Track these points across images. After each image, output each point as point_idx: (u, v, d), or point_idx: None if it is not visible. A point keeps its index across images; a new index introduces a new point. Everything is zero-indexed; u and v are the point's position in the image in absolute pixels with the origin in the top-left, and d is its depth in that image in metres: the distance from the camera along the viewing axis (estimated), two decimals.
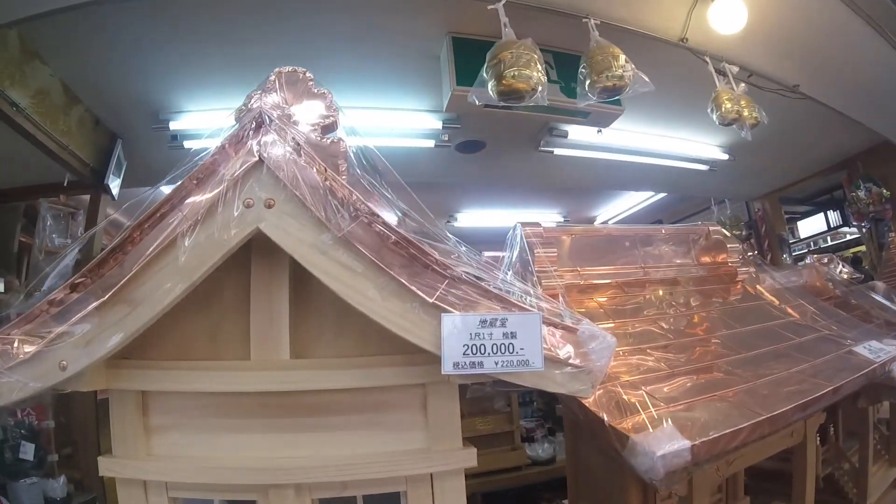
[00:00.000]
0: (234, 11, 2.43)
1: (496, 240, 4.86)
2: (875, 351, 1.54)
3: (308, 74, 1.01)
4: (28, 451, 2.52)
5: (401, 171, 3.30)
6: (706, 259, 1.86)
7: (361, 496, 0.92)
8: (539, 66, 2.12)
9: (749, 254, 6.20)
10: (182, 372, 0.93)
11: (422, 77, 2.89)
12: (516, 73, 2.06)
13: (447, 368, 0.78)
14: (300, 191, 0.82)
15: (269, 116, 0.87)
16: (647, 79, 2.26)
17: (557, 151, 3.84)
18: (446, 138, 3.44)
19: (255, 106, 0.89)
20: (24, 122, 2.49)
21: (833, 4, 2.67)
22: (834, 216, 6.69)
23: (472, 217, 5.95)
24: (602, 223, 6.54)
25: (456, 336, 0.79)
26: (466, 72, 2.46)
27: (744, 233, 5.77)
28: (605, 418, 0.99)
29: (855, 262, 5.32)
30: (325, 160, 0.91)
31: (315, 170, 0.85)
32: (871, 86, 3.49)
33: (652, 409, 1.04)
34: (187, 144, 3.13)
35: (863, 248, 5.72)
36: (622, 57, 2.24)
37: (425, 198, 3.60)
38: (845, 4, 2.71)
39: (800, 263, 5.40)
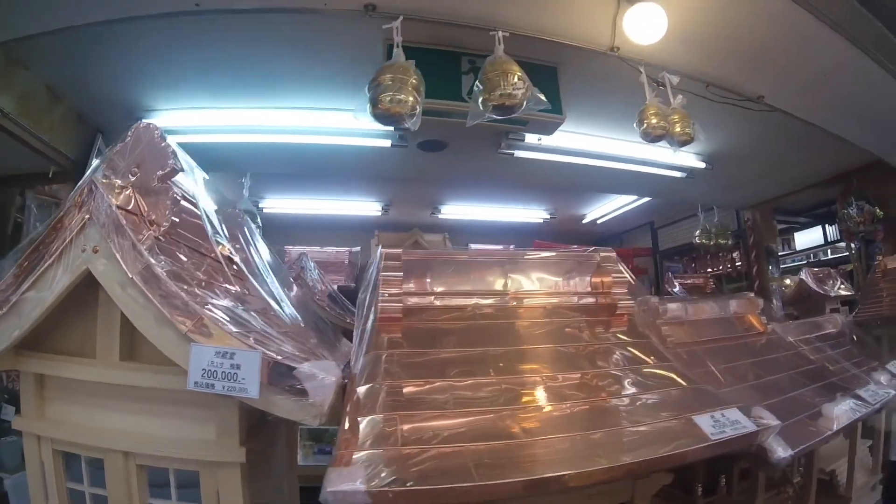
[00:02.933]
0: (205, 21, 2.77)
1: (484, 232, 5.33)
2: (720, 424, 1.35)
3: (156, 128, 1.47)
4: (9, 413, 3.00)
5: (367, 167, 3.80)
6: (584, 288, 1.79)
7: (172, 469, 1.31)
8: (415, 91, 2.31)
9: (727, 268, 6.37)
10: (59, 363, 1.36)
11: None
12: (392, 98, 2.27)
13: (189, 385, 1.14)
14: (112, 241, 1.22)
15: (96, 185, 1.25)
16: (542, 97, 2.45)
17: (517, 154, 4.12)
18: (398, 138, 3.80)
19: (95, 174, 1.30)
20: (9, 125, 3.01)
21: (802, 15, 2.70)
22: (832, 230, 6.75)
23: (457, 210, 6.39)
24: (590, 221, 6.82)
25: (197, 361, 1.14)
26: None
27: (730, 242, 5.92)
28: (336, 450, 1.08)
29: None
30: (156, 204, 1.36)
31: (128, 224, 1.24)
32: (855, 102, 3.58)
33: (373, 446, 1.09)
34: None
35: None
36: (516, 75, 2.39)
37: (410, 189, 4.11)
38: (816, 17, 2.73)
39: (787, 279, 5.62)
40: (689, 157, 4.60)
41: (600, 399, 1.40)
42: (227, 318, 1.24)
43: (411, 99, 2.31)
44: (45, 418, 1.37)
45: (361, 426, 1.14)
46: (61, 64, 3.04)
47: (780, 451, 1.49)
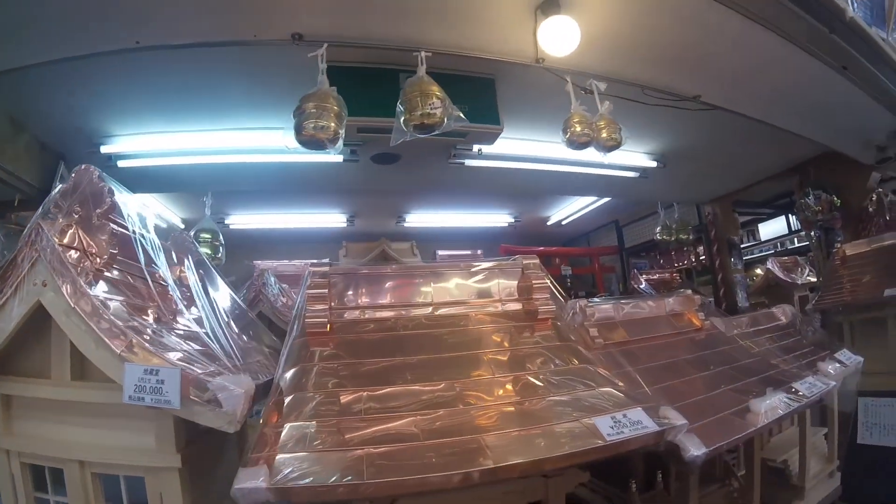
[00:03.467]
0: (170, 62, 3.00)
1: (451, 239, 5.45)
2: (620, 425, 1.42)
3: (94, 171, 1.67)
4: None
5: (323, 182, 3.96)
6: (509, 295, 1.95)
7: (122, 476, 1.50)
8: (336, 118, 2.47)
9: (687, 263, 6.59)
10: (21, 383, 1.55)
11: None
12: (315, 125, 2.43)
13: (124, 399, 1.31)
14: (57, 275, 1.42)
15: (42, 226, 1.46)
16: (461, 114, 2.62)
17: (468, 163, 4.32)
18: (350, 153, 4.02)
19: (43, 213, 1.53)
20: None
21: (727, 14, 2.74)
22: (794, 219, 6.91)
23: (422, 218, 6.60)
24: (555, 222, 7.04)
25: (130, 378, 1.32)
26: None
27: (691, 237, 6.13)
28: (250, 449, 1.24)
29: None
30: (97, 238, 1.59)
31: (69, 260, 1.45)
32: (792, 94, 3.66)
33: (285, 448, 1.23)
34: (120, 164, 3.79)
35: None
36: (435, 95, 2.53)
37: (373, 200, 4.27)
38: (743, 16, 2.76)
39: (757, 269, 5.78)
40: (640, 157, 4.77)
41: (510, 402, 1.50)
42: (155, 341, 1.45)
43: (333, 125, 2.46)
44: (13, 434, 1.55)
45: (273, 431, 1.29)
46: (23, 97, 3.21)
47: (693, 449, 1.55)
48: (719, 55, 3.13)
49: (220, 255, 4.64)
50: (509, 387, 1.59)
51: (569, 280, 7.32)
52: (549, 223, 7.52)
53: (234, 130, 3.82)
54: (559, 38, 2.67)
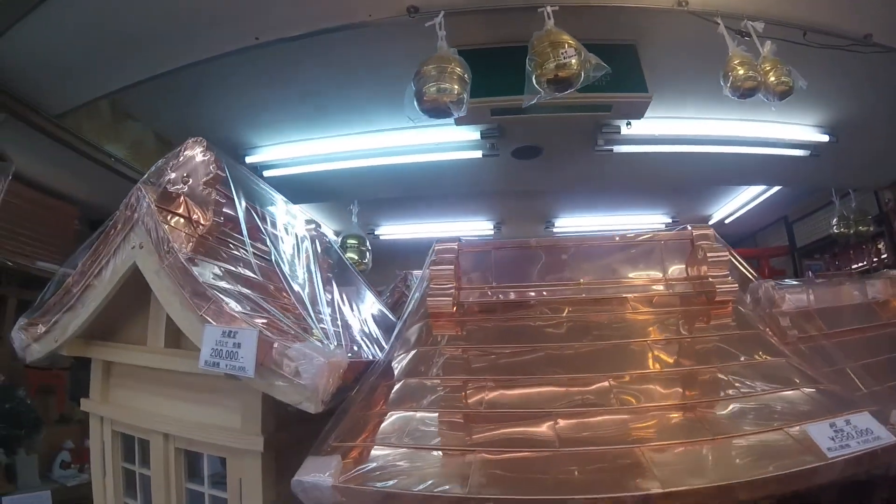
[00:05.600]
0: (295, 63, 3.03)
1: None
2: (843, 436, 1.01)
3: (203, 142, 1.57)
4: None
5: (464, 181, 3.80)
6: (678, 274, 1.57)
7: (206, 455, 1.34)
8: (460, 80, 2.22)
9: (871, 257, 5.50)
10: (118, 350, 1.47)
11: None
12: (437, 88, 2.19)
13: (200, 364, 1.13)
14: (152, 237, 1.30)
15: (141, 189, 1.36)
16: (602, 62, 2.22)
17: (617, 149, 3.87)
18: (490, 147, 3.75)
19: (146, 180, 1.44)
20: (123, 169, 3.39)
21: None
22: None
23: (572, 222, 6.16)
24: (717, 222, 6.30)
25: (207, 341, 1.13)
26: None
27: (871, 229, 5.15)
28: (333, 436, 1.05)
29: None
30: (200, 207, 1.46)
31: (166, 224, 1.32)
32: None
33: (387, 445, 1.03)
34: (266, 174, 3.84)
35: None
36: (567, 43, 2.18)
37: (519, 204, 4.05)
38: None
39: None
40: (808, 131, 4.07)
41: (681, 405, 1.15)
42: (240, 302, 1.26)
43: (456, 88, 2.21)
44: (109, 402, 1.49)
45: (366, 418, 1.11)
46: (164, 112, 3.39)
47: None
48: None
49: (366, 260, 4.57)
50: (680, 386, 1.23)
51: None
52: (710, 223, 6.71)
53: (369, 133, 3.77)
54: None
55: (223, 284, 1.29)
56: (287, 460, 1.19)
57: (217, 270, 1.34)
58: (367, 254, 4.63)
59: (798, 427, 1.03)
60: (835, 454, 0.96)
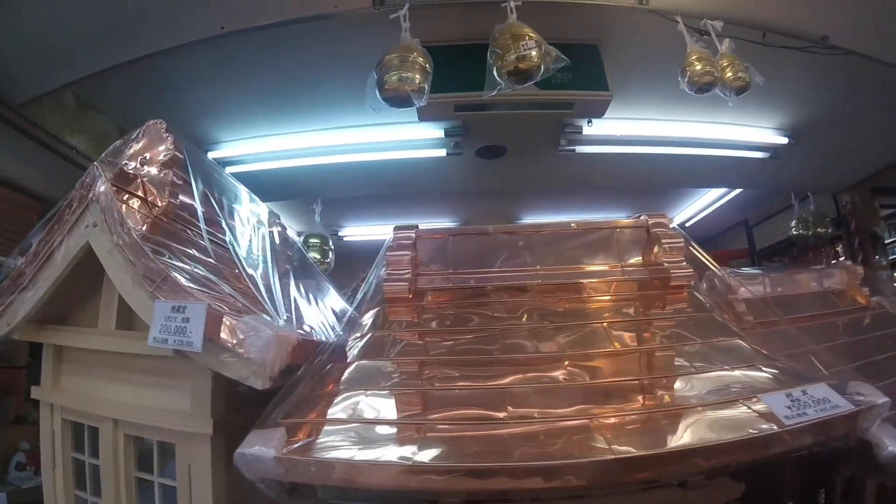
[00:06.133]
0: (261, 56, 3.01)
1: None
2: (800, 405, 1.01)
3: (162, 124, 1.53)
4: None
5: (429, 180, 3.77)
6: (634, 260, 1.59)
7: (156, 442, 1.30)
8: (422, 70, 2.23)
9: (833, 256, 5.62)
10: (69, 333, 1.43)
11: None
12: (399, 77, 2.19)
13: (149, 341, 1.11)
14: (106, 217, 1.27)
15: (99, 170, 1.33)
16: (561, 55, 2.22)
17: (579, 149, 3.93)
18: (454, 145, 3.76)
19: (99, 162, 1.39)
20: (84, 162, 3.28)
21: None
22: None
23: (537, 223, 6.12)
24: (678, 224, 6.39)
25: (157, 317, 1.11)
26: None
27: (829, 230, 5.32)
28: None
29: None
30: (159, 186, 1.45)
31: (121, 203, 1.31)
32: None
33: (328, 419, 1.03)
34: (228, 170, 3.77)
35: None
36: (528, 35, 2.20)
37: (484, 205, 4.02)
38: None
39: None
40: (768, 134, 4.16)
41: (637, 380, 1.17)
42: (192, 280, 1.24)
43: (418, 77, 2.21)
44: (59, 389, 1.44)
45: (315, 395, 1.10)
46: (128, 105, 3.31)
47: (893, 444, 1.07)
48: None
49: (329, 260, 4.54)
50: (635, 364, 1.25)
51: None
52: (671, 225, 6.84)
53: (334, 130, 3.75)
54: None
55: (176, 264, 1.28)
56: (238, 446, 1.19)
57: (171, 251, 1.33)
58: (330, 253, 4.59)
59: (754, 398, 1.03)
60: (792, 422, 0.96)
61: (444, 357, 1.26)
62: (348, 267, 4.83)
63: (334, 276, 4.37)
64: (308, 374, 1.17)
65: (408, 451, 0.90)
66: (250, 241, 1.77)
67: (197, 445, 1.22)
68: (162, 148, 1.50)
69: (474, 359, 1.24)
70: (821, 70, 3.23)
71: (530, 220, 6.18)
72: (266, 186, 4.05)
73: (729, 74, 2.50)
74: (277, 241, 1.97)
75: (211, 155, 3.79)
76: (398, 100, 2.26)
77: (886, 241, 5.63)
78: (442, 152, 3.86)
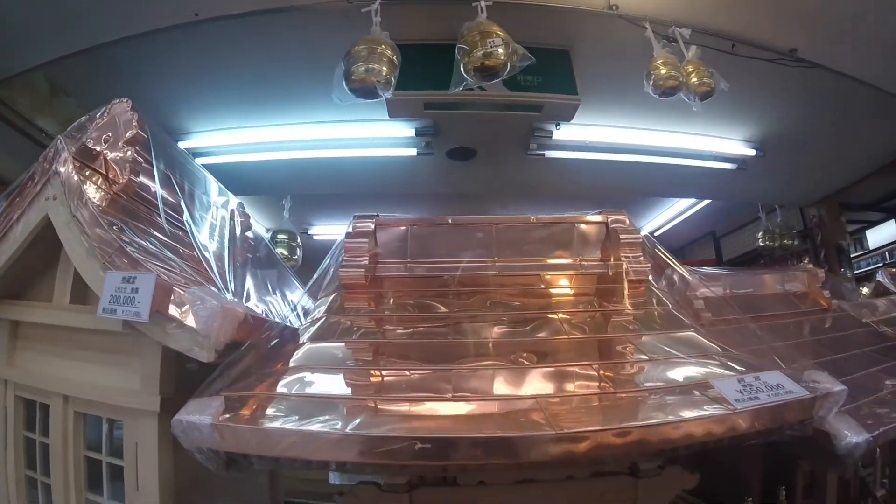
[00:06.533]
0: (234, 46, 3.01)
1: None
2: (752, 389, 1.01)
3: (127, 103, 1.56)
4: None
5: (399, 179, 3.76)
6: (593, 255, 1.60)
7: (105, 420, 1.30)
8: (389, 62, 2.25)
9: None
10: (22, 308, 1.44)
11: None
12: (366, 68, 2.21)
13: (99, 312, 1.11)
14: (66, 190, 1.28)
15: (62, 144, 1.35)
16: (528, 53, 2.28)
17: (548, 154, 3.98)
18: (424, 145, 3.79)
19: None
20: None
21: None
22: None
23: None
24: (648, 234, 6.47)
25: (108, 288, 1.12)
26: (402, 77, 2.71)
27: (795, 243, 5.44)
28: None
29: None
30: (120, 163, 1.46)
31: (82, 178, 1.31)
32: None
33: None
34: (197, 161, 3.76)
35: None
36: (496, 34, 2.25)
37: (453, 208, 3.95)
38: None
39: (864, 288, 5.11)
40: (736, 145, 4.25)
41: (590, 366, 1.18)
42: (145, 254, 1.26)
43: (385, 69, 2.24)
44: (13, 366, 1.44)
45: (262, 372, 1.10)
46: (100, 90, 3.21)
47: (851, 434, 1.10)
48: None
49: (296, 256, 4.55)
50: (587, 351, 1.27)
51: None
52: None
53: (305, 124, 3.75)
54: None
55: (132, 238, 1.29)
56: None
57: (127, 226, 1.34)
58: (298, 250, 4.59)
59: (706, 384, 1.05)
60: (743, 405, 0.97)
61: (397, 342, 1.29)
62: (317, 265, 4.80)
63: (301, 273, 4.35)
64: (255, 350, 1.19)
65: (345, 422, 0.91)
66: (211, 226, 1.78)
67: (144, 423, 1.22)
68: (126, 126, 1.51)
69: (426, 343, 1.27)
70: (789, 84, 3.32)
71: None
72: (235, 180, 4.01)
73: (694, 79, 2.57)
74: (240, 230, 1.97)
75: (181, 145, 3.76)
76: (364, 91, 2.28)
77: (852, 255, 5.80)
78: (412, 151, 3.88)
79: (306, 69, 3.17)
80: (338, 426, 0.90)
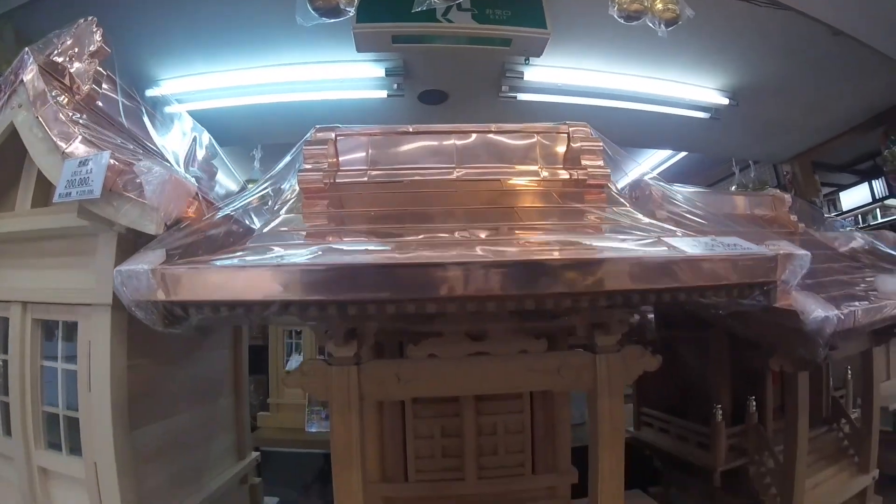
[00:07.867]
0: None
1: None
2: (709, 245, 1.06)
3: (92, 20, 1.61)
4: None
5: (361, 124, 3.67)
6: (554, 162, 1.64)
7: (60, 321, 1.39)
8: None
9: None
10: None
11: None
12: None
13: (55, 198, 1.19)
14: (30, 95, 1.35)
15: (28, 55, 1.44)
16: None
17: (520, 97, 3.97)
18: (395, 87, 3.80)
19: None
20: None
21: None
22: (879, 186, 6.03)
23: None
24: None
25: (65, 175, 1.19)
26: (369, 9, 2.69)
27: None
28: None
29: None
30: (83, 75, 1.53)
31: (47, 86, 1.38)
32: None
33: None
34: (166, 110, 3.75)
35: None
36: None
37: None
38: None
39: None
40: (709, 93, 4.32)
41: (551, 234, 1.25)
42: (104, 142, 1.33)
43: None
44: None
45: (206, 242, 1.13)
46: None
47: (819, 308, 1.12)
48: None
49: (267, 206, 4.48)
50: (552, 228, 1.33)
51: None
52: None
53: (273, 67, 3.74)
54: None
55: (92, 128, 1.37)
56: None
57: (88, 128, 1.38)
58: (269, 201, 4.57)
59: (665, 239, 1.10)
60: (697, 251, 1.01)
61: (355, 226, 1.36)
62: None
63: None
64: (207, 228, 1.21)
65: (286, 259, 0.95)
66: (168, 143, 1.87)
67: (98, 319, 1.29)
68: (90, 41, 1.57)
69: (382, 227, 1.30)
70: (763, 30, 3.37)
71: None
72: (208, 127, 4.04)
73: (659, 5, 2.57)
74: (197, 152, 2.10)
75: (149, 93, 3.75)
76: (328, 10, 2.30)
77: (826, 216, 5.93)
78: (383, 94, 3.88)
79: (270, 8, 3.15)
80: (274, 262, 0.94)
